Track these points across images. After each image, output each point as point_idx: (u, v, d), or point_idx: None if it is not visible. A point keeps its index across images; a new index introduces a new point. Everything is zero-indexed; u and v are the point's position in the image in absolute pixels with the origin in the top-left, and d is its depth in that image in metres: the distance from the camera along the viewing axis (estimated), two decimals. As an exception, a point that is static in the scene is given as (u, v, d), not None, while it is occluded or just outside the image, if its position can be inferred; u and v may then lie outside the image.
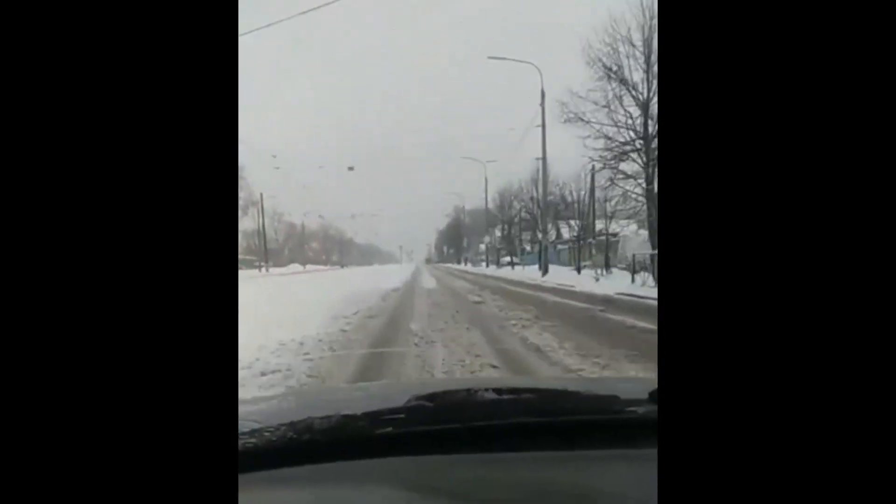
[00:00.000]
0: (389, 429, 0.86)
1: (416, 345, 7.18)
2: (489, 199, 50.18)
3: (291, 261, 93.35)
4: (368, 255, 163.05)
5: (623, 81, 19.43)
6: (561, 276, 25.04)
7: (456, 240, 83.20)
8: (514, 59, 27.88)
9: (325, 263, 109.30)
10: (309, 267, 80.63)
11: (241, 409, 1.01)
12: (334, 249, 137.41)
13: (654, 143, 18.06)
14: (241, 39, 0.73)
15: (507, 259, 59.58)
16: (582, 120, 20.27)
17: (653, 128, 18.59)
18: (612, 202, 29.73)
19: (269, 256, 72.89)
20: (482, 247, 71.65)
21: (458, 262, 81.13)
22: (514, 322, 9.37)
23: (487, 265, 51.20)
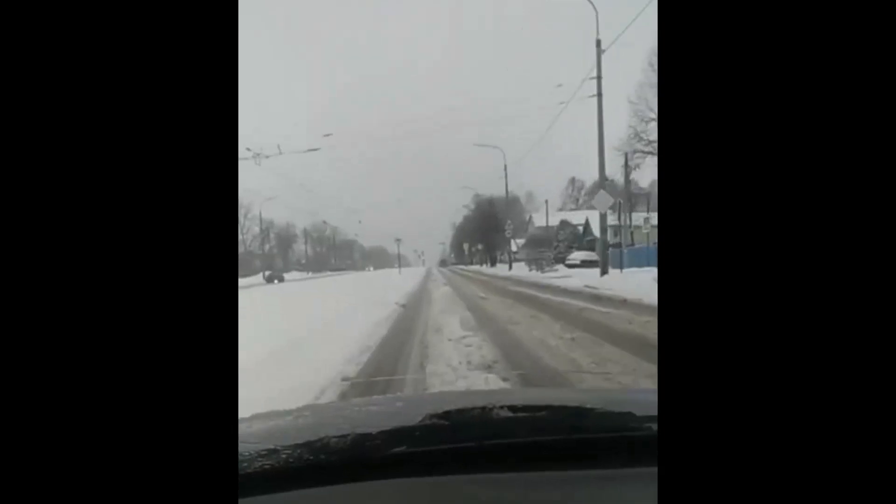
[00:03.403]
0: (405, 447, 0.87)
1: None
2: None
3: (268, 268, 72.43)
4: (376, 258, 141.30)
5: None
6: None
7: (484, 233, 59.32)
8: None
9: (320, 269, 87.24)
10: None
11: (257, 425, 1.05)
12: (332, 252, 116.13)
13: None
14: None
15: (577, 259, 35.61)
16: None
17: None
18: None
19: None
20: (514, 244, 48.38)
21: (491, 264, 57.19)
22: None
23: (605, 269, 18.53)
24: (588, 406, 1.03)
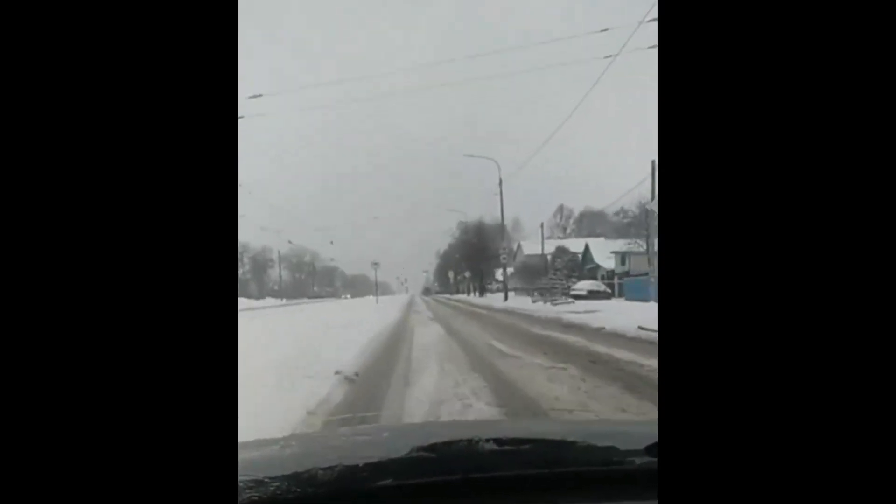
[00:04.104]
0: (391, 480, 0.88)
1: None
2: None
3: (242, 294, 67.27)
4: (359, 286, 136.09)
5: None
6: None
7: (471, 260, 54.49)
8: None
9: (297, 297, 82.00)
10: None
11: (244, 454, 1.05)
12: (311, 279, 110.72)
13: None
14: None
15: (583, 289, 30.79)
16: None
17: None
18: None
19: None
20: (498, 273, 43.77)
21: (480, 293, 52.17)
22: None
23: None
24: (571, 439, 1.04)
